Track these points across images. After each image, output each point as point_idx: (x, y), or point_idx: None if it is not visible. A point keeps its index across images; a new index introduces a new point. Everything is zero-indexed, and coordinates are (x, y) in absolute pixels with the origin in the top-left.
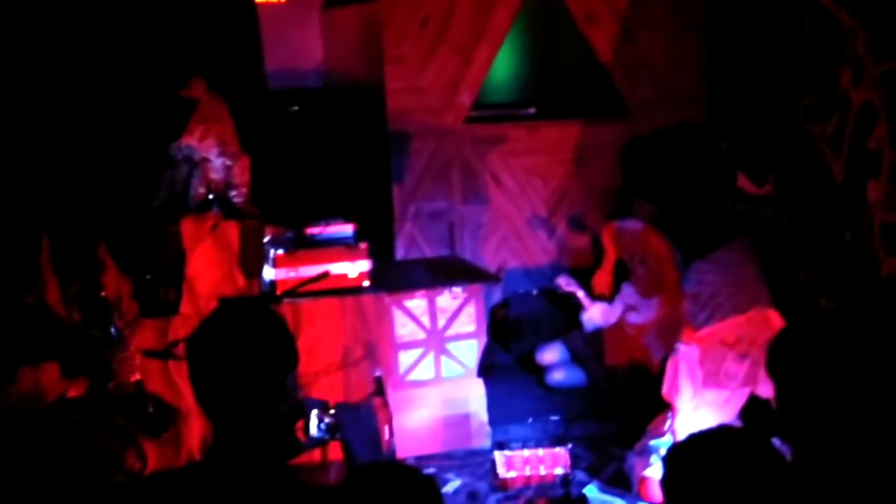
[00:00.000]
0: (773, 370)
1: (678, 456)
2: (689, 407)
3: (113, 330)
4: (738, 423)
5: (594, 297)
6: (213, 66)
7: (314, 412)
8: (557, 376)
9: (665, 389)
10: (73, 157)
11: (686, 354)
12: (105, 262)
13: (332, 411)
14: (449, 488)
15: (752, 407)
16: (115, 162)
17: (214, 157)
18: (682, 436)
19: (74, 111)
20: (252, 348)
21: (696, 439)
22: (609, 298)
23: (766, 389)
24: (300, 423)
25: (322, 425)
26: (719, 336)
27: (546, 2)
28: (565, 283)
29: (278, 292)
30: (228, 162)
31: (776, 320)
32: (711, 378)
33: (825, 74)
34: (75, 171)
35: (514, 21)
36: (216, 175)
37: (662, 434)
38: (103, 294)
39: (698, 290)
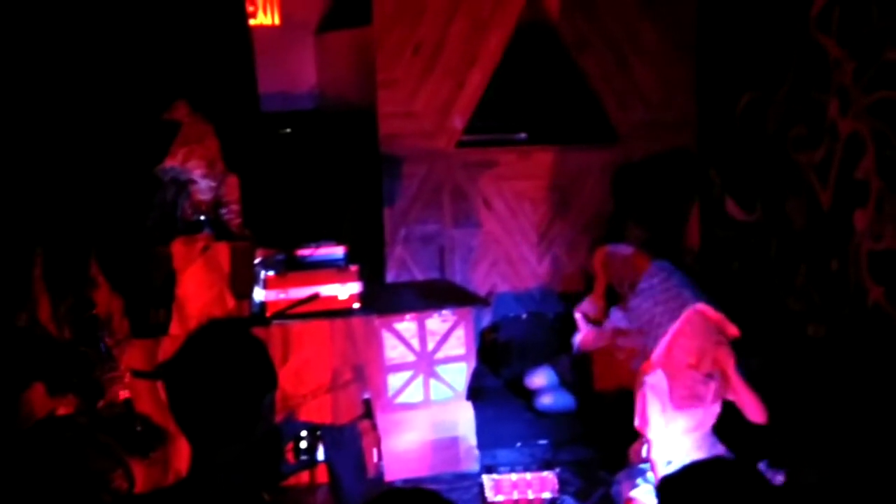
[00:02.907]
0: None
1: (670, 487)
2: (663, 434)
3: (102, 348)
4: (726, 452)
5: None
6: (206, 88)
7: (303, 434)
8: (546, 401)
9: (637, 422)
10: (67, 177)
11: (654, 385)
12: (97, 279)
13: (317, 433)
14: None
15: (740, 432)
16: (109, 182)
17: (200, 179)
18: (660, 463)
19: (70, 132)
20: (229, 370)
21: (688, 470)
22: (602, 323)
23: (735, 395)
24: (290, 446)
25: (304, 448)
26: (682, 360)
27: (538, 28)
28: (585, 306)
29: (268, 314)
30: (213, 183)
31: (713, 315)
32: (684, 401)
33: (813, 104)
34: (70, 192)
35: (506, 47)
36: (203, 196)
37: (642, 461)
38: (94, 312)
39: (641, 319)
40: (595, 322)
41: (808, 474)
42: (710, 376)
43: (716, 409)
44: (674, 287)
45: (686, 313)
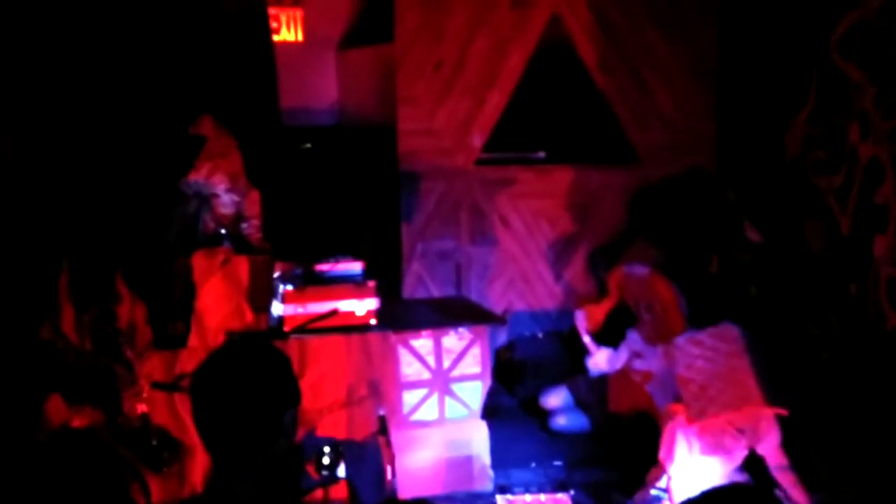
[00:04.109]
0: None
1: None
2: (686, 470)
3: (124, 361)
4: (743, 478)
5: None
6: (230, 102)
7: (326, 449)
8: (561, 421)
9: (662, 454)
10: (94, 189)
11: (684, 425)
12: (121, 293)
13: (340, 449)
14: None
15: (754, 459)
16: (133, 195)
17: (223, 193)
18: (678, 495)
19: (96, 145)
20: (253, 384)
21: (707, 496)
22: (595, 337)
23: (765, 448)
24: (311, 461)
25: (331, 464)
26: (727, 418)
27: (558, 48)
28: (581, 319)
29: (286, 328)
30: (237, 197)
31: (771, 413)
32: (709, 448)
33: (834, 128)
34: (96, 204)
35: (526, 66)
36: (225, 210)
37: (661, 487)
38: (116, 325)
39: (689, 375)
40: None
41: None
42: (741, 431)
43: (741, 455)
44: (742, 370)
45: (746, 411)
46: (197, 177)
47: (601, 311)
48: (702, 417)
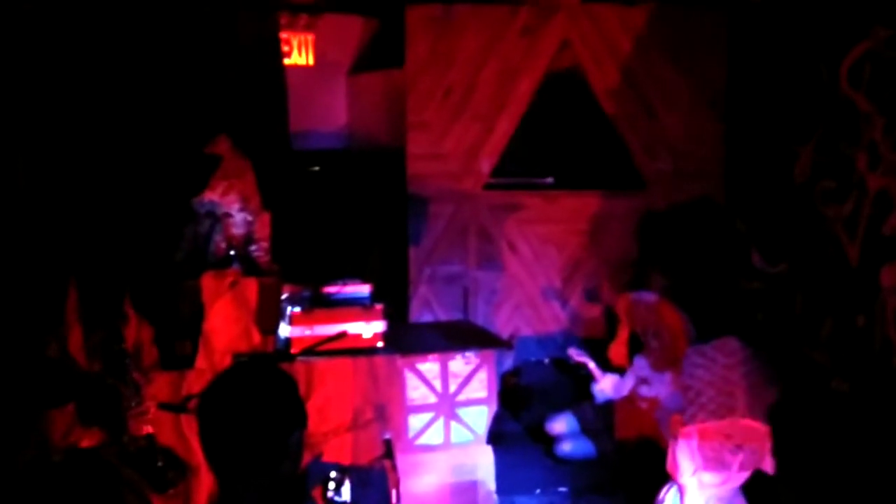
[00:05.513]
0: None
1: None
2: (692, 483)
3: (131, 382)
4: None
5: (609, 368)
6: (240, 124)
7: (332, 474)
8: (566, 447)
9: (668, 466)
10: (104, 210)
11: (687, 438)
12: (128, 314)
13: (346, 473)
14: None
15: (756, 484)
16: (143, 215)
17: (236, 213)
18: None
19: (106, 165)
20: (259, 406)
21: None
22: (625, 370)
23: (769, 466)
24: (317, 486)
25: (337, 489)
26: (714, 426)
27: (567, 75)
28: (576, 354)
29: (293, 350)
30: (249, 217)
31: (758, 428)
32: (709, 463)
33: (841, 158)
34: (107, 222)
35: (535, 92)
36: (237, 230)
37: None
38: (123, 346)
39: (689, 382)
40: (620, 370)
41: None
42: (739, 447)
43: (743, 475)
44: (733, 382)
45: (728, 422)
46: (211, 196)
47: (621, 343)
48: (692, 422)
